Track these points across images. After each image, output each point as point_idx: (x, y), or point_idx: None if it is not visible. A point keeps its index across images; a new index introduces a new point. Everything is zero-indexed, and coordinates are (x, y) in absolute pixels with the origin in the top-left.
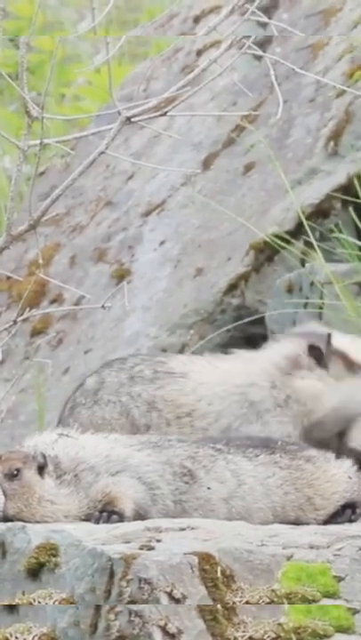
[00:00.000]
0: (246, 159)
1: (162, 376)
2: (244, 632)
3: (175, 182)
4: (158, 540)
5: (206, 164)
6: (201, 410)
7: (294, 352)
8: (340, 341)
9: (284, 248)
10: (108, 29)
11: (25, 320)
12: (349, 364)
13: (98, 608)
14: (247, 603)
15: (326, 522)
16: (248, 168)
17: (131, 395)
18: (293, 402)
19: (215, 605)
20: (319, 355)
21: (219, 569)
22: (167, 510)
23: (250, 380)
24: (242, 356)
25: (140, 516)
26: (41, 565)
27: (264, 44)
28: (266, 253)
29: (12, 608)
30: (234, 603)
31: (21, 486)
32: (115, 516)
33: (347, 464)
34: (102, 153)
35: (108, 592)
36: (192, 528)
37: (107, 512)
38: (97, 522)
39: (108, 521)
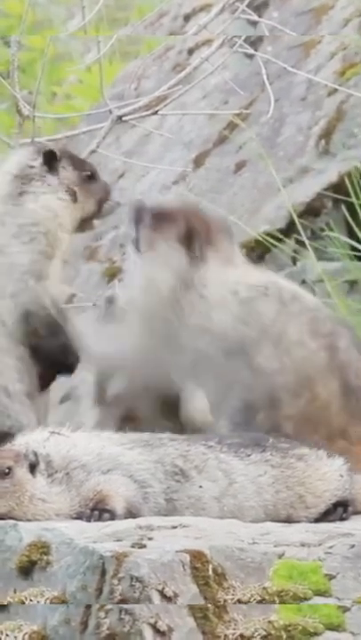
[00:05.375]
0: (238, 157)
1: None
2: (234, 630)
3: (166, 181)
4: (150, 538)
5: (197, 163)
6: None
7: (22, 164)
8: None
9: (275, 246)
10: (98, 27)
11: None
12: (79, 165)
13: (88, 606)
14: (239, 601)
15: (318, 520)
16: (239, 166)
17: None
18: (30, 227)
19: (206, 603)
20: (51, 158)
21: (210, 567)
22: (159, 508)
23: None
24: None
25: (131, 514)
26: (32, 563)
27: (255, 42)
28: (257, 252)
29: (3, 606)
30: (225, 601)
31: (13, 484)
32: (106, 515)
33: (338, 462)
34: (93, 151)
35: (100, 590)
36: (184, 526)
37: (98, 510)
38: (88, 520)
39: (99, 519)
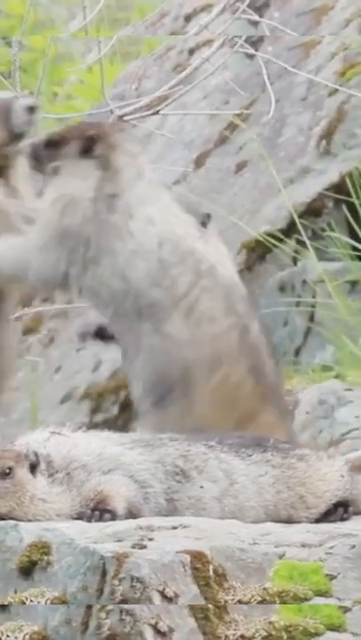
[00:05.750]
0: (238, 158)
1: None
2: (235, 630)
3: (167, 181)
4: (150, 539)
5: (198, 163)
6: None
7: None
8: None
9: (276, 247)
10: (99, 28)
11: (17, 318)
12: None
13: (89, 606)
14: (239, 601)
15: (318, 520)
16: (240, 167)
17: None
18: None
19: (206, 604)
20: None
21: (211, 567)
22: (159, 509)
23: None
24: None
25: (132, 514)
26: (33, 564)
27: (256, 42)
28: (258, 252)
29: (3, 606)
30: (226, 601)
31: (13, 485)
32: (107, 515)
33: (339, 462)
34: None
35: (101, 591)
36: (184, 526)
37: (99, 510)
38: (89, 520)
39: (100, 519)
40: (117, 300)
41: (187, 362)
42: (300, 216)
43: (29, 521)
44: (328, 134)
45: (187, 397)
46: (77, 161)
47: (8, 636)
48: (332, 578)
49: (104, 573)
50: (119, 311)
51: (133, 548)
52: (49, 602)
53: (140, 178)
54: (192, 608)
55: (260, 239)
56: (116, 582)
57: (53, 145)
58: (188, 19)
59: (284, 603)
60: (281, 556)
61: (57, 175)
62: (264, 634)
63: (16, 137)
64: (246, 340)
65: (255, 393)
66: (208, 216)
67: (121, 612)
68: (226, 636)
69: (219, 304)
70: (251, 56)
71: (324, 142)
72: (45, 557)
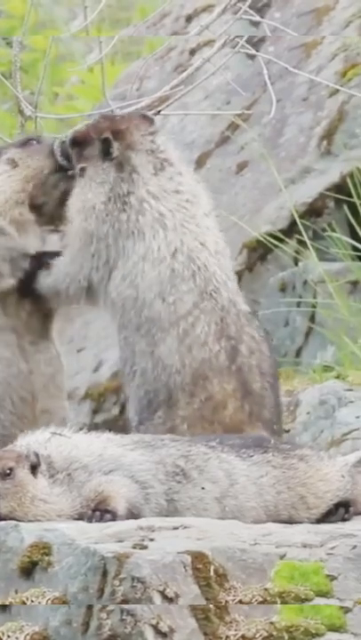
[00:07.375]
0: (239, 158)
1: None
2: (236, 631)
3: None
4: (151, 539)
5: (199, 163)
6: None
7: None
8: None
9: (277, 247)
10: (100, 28)
11: None
12: (22, 140)
13: (90, 607)
14: (240, 602)
15: (319, 521)
16: (241, 167)
17: None
18: None
19: (207, 604)
20: None
21: (212, 568)
22: (160, 509)
23: None
24: None
25: (132, 514)
26: (34, 564)
27: (257, 42)
28: (259, 252)
29: (4, 607)
30: (227, 602)
31: (14, 485)
32: (108, 515)
33: (340, 462)
34: None
35: (101, 591)
36: (185, 527)
37: (100, 511)
38: (90, 521)
39: (101, 520)
40: (125, 308)
41: (172, 386)
42: (301, 216)
43: (30, 521)
44: (329, 134)
45: (169, 418)
46: (99, 164)
47: (9, 636)
48: (333, 578)
49: (105, 574)
50: (123, 322)
51: (134, 548)
52: (50, 602)
53: (158, 172)
54: (193, 608)
55: (261, 239)
56: (116, 582)
57: (78, 145)
58: (189, 19)
59: (285, 603)
60: (282, 557)
61: (82, 177)
62: (265, 634)
63: (60, 164)
64: (235, 362)
65: (241, 410)
66: None
67: (122, 612)
68: (227, 637)
69: (213, 328)
70: (252, 56)
71: (325, 142)
72: (46, 558)
